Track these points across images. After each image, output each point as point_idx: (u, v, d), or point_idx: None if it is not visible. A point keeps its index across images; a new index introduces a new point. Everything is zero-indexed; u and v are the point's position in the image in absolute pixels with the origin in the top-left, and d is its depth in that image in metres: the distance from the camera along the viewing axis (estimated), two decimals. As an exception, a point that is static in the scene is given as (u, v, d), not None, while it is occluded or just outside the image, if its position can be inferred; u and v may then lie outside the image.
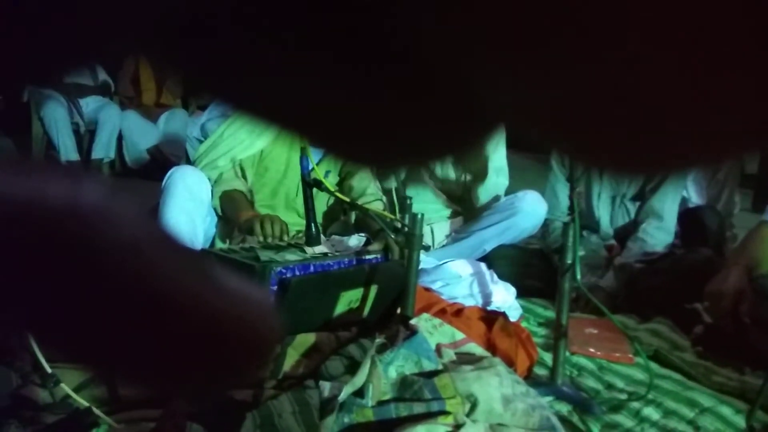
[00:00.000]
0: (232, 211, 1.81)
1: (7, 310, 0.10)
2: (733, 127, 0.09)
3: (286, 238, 1.65)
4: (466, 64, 0.10)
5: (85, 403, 0.95)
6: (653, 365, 1.45)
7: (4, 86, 0.12)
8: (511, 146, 2.32)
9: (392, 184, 1.98)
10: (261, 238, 1.63)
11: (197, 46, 0.11)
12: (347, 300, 1.43)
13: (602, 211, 2.15)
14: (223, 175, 1.89)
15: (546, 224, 2.17)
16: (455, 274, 1.73)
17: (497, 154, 2.26)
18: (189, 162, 3.43)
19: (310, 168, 1.58)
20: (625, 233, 2.11)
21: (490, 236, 2.07)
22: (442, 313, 1.48)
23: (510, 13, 0.09)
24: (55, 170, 0.10)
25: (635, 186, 2.11)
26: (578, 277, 1.28)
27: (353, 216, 2.02)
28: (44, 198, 0.09)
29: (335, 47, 0.10)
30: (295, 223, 1.93)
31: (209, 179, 1.87)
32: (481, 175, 2.16)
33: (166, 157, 4.08)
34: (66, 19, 0.10)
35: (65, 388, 0.98)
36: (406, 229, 1.46)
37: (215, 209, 1.89)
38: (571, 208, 1.30)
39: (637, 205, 2.12)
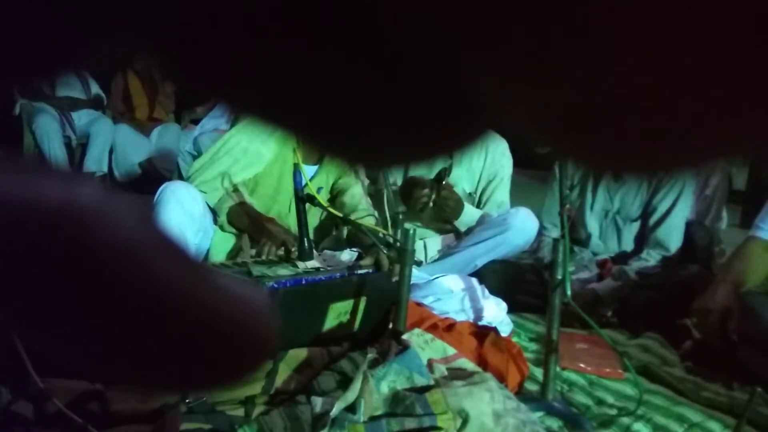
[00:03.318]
0: (245, 223, 1.84)
1: (3, 312, 0.10)
2: (731, 128, 0.09)
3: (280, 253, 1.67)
4: (462, 65, 0.10)
5: (78, 419, 0.95)
6: (642, 381, 1.46)
7: None
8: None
9: (385, 203, 2.00)
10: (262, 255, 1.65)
11: (199, 48, 0.11)
12: (336, 313, 1.44)
13: (593, 224, 2.18)
14: (224, 195, 1.90)
15: (539, 239, 2.19)
16: (447, 289, 1.73)
17: (500, 190, 2.28)
18: (181, 176, 3.42)
19: (304, 183, 1.59)
20: (623, 258, 2.13)
21: (482, 252, 2.08)
22: (433, 328, 1.48)
23: (508, 12, 0.09)
24: (52, 172, 0.10)
25: (631, 205, 2.14)
26: (568, 292, 1.29)
27: (345, 231, 2.02)
28: (41, 199, 0.09)
29: (333, 48, 0.11)
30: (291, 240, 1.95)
31: (207, 202, 1.88)
32: (454, 214, 2.18)
33: (159, 171, 4.08)
34: (65, 18, 0.10)
35: (57, 403, 0.97)
36: (398, 244, 1.47)
37: (221, 225, 1.90)
38: (561, 224, 1.31)
39: (634, 226, 2.14)
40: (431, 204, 2.09)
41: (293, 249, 1.70)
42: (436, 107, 0.11)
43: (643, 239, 2.14)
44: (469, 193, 2.30)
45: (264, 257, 1.65)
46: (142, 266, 0.10)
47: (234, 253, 1.91)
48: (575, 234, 2.19)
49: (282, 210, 1.98)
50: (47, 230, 0.09)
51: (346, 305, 1.44)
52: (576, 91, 0.09)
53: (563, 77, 0.09)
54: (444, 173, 2.10)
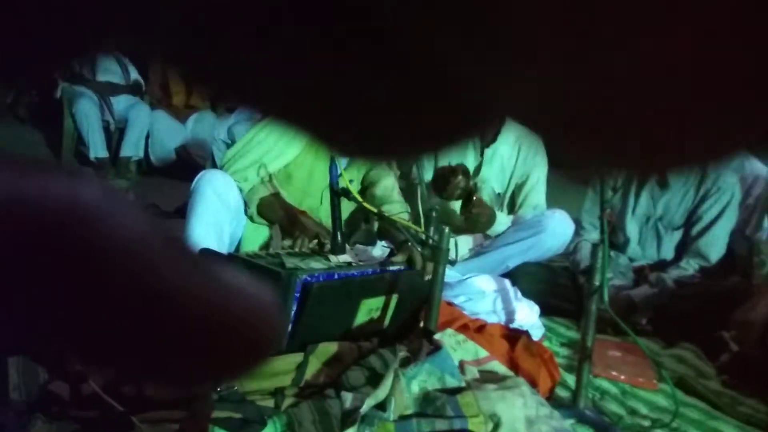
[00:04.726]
0: (275, 214, 1.85)
1: (8, 311, 0.10)
2: (732, 124, 0.09)
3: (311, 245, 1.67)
4: (466, 60, 0.10)
5: (113, 403, 0.96)
6: (677, 392, 1.42)
7: (8, 77, 0.12)
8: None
9: (418, 199, 1.97)
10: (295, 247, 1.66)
11: (201, 45, 0.11)
12: (368, 308, 1.43)
13: (633, 229, 2.13)
14: (256, 185, 1.91)
15: (575, 241, 2.15)
16: (479, 290, 1.72)
17: (535, 193, 2.23)
18: (215, 163, 3.47)
19: (339, 176, 1.58)
20: (661, 266, 2.08)
21: (514, 253, 2.05)
22: (464, 329, 1.47)
23: (513, 9, 0.09)
24: (55, 170, 0.10)
25: (675, 212, 2.08)
26: (605, 299, 1.26)
27: (376, 224, 2.02)
28: (43, 199, 0.09)
29: (335, 43, 0.11)
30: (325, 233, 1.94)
31: (240, 190, 1.89)
32: (486, 228, 2.13)
33: (193, 158, 4.13)
34: (68, 13, 0.10)
35: (93, 385, 0.99)
36: (432, 242, 1.46)
37: (251, 216, 1.91)
38: (601, 229, 1.28)
39: (676, 234, 2.09)
40: (463, 211, 2.04)
41: (326, 242, 1.70)
42: (438, 101, 0.11)
43: (683, 248, 2.08)
44: (498, 194, 2.26)
45: (297, 249, 1.65)
46: (145, 265, 0.10)
47: (266, 244, 1.92)
48: (613, 238, 2.15)
49: (314, 203, 1.98)
50: (50, 230, 0.09)
51: (377, 301, 1.43)
52: (576, 87, 0.09)
53: (563, 73, 0.09)
54: (473, 189, 2.05)
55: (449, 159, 2.10)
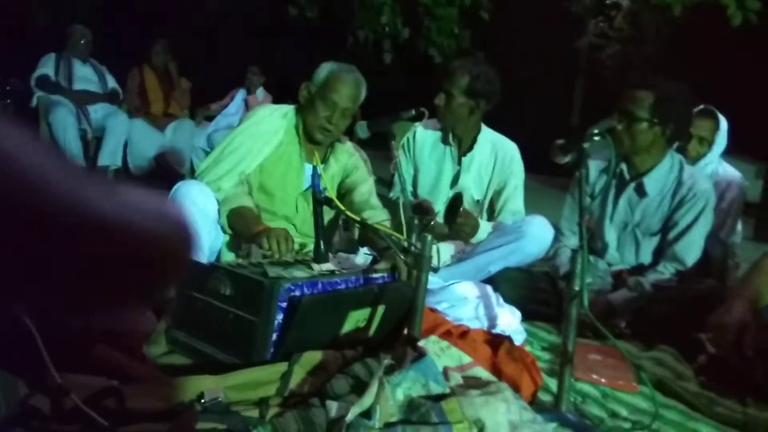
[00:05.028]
0: (243, 226, 1.82)
1: None
2: None
3: (289, 254, 1.65)
4: None
5: (95, 416, 0.95)
6: (656, 394, 1.44)
7: None
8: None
9: (400, 208, 1.98)
10: (268, 253, 1.63)
11: None
12: (354, 319, 1.43)
13: (611, 235, 2.16)
14: (229, 195, 1.89)
15: (554, 246, 2.17)
16: (461, 296, 1.73)
17: (514, 199, 2.25)
18: (194, 171, 3.44)
19: (321, 186, 1.58)
20: (640, 271, 2.11)
21: (495, 258, 2.06)
22: (447, 335, 1.48)
23: None
24: None
25: (652, 218, 2.11)
26: (585, 303, 1.28)
27: (357, 231, 2.02)
28: None
29: None
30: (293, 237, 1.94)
31: (216, 199, 1.88)
32: (470, 237, 2.14)
33: (172, 166, 4.10)
34: None
35: (75, 399, 0.98)
36: (414, 249, 1.47)
37: (222, 227, 1.89)
38: (580, 235, 1.31)
39: (653, 240, 2.12)
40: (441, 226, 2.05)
41: (297, 242, 1.69)
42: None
43: (661, 253, 2.11)
44: (477, 200, 2.28)
45: (277, 256, 1.64)
46: (32, 185, 0.10)
47: (237, 251, 1.90)
48: (592, 244, 2.17)
49: (289, 211, 1.97)
50: None
51: (364, 312, 1.44)
52: None
53: None
54: (459, 200, 2.05)
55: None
